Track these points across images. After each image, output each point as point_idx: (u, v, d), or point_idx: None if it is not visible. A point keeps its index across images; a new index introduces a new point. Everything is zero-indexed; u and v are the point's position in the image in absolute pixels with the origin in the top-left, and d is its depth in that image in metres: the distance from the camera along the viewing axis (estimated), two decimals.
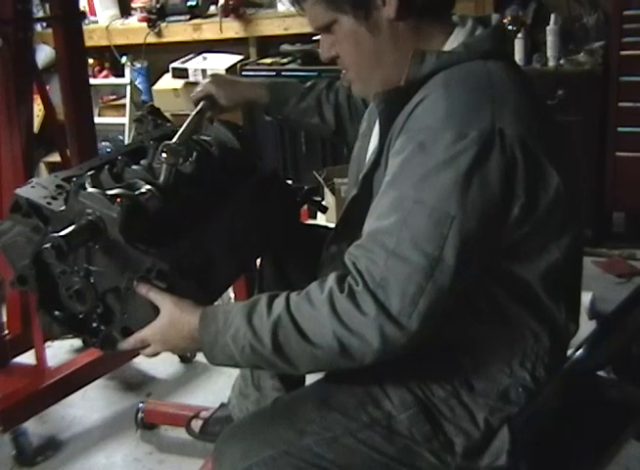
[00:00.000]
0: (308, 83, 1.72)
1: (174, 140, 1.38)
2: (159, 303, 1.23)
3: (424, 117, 1.14)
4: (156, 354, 1.28)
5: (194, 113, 1.56)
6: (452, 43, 1.22)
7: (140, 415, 2.25)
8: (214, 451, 1.31)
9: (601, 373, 1.47)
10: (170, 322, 1.22)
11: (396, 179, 1.12)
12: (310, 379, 1.40)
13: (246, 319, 1.13)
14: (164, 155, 1.34)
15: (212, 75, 1.70)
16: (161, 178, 1.34)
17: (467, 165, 1.07)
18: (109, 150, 3.54)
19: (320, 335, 1.09)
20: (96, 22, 4.15)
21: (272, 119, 1.75)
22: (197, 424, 2.07)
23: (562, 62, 3.15)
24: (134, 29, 4.05)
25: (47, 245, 1.19)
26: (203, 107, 1.61)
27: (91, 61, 4.06)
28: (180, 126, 1.47)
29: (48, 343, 2.44)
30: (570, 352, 1.28)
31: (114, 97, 4.27)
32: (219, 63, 3.85)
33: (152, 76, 4.13)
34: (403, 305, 1.06)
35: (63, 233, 1.20)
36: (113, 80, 4.30)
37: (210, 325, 1.17)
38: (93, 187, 1.28)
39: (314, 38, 2.98)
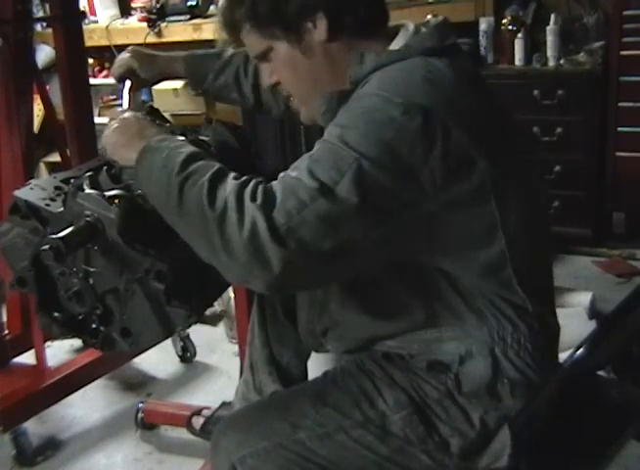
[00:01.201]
0: (227, 54, 1.68)
1: None
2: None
3: (356, 99, 1.15)
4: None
5: (126, 92, 1.57)
6: (394, 47, 1.22)
7: (140, 415, 2.26)
8: (211, 442, 1.34)
9: (601, 373, 1.47)
10: (136, 124, 1.25)
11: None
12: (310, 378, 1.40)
13: (186, 157, 1.11)
14: None
15: (130, 49, 1.70)
16: None
17: (383, 119, 1.07)
18: None
19: (217, 196, 1.06)
20: (96, 22, 4.14)
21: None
22: (198, 421, 2.08)
23: (562, 62, 3.15)
24: (134, 29, 4.03)
25: (46, 246, 1.19)
26: (131, 84, 1.61)
27: (91, 61, 4.05)
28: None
29: (48, 343, 2.44)
30: (570, 352, 1.28)
31: (114, 97, 4.26)
32: None
33: None
34: (279, 213, 1.02)
35: (61, 235, 1.20)
36: (113, 80, 4.27)
37: (160, 148, 1.16)
38: (91, 188, 1.29)
39: None
